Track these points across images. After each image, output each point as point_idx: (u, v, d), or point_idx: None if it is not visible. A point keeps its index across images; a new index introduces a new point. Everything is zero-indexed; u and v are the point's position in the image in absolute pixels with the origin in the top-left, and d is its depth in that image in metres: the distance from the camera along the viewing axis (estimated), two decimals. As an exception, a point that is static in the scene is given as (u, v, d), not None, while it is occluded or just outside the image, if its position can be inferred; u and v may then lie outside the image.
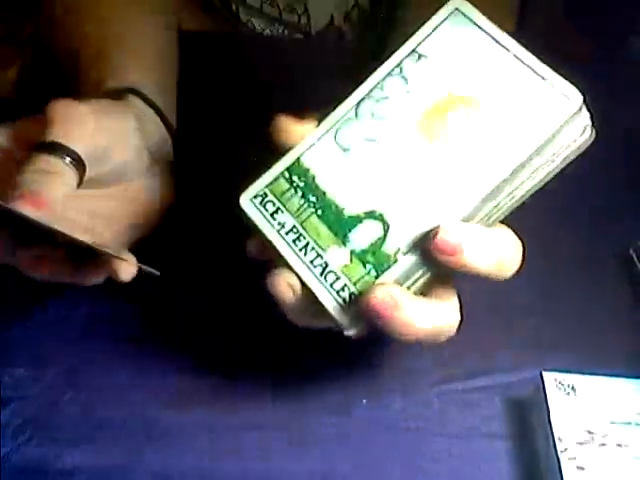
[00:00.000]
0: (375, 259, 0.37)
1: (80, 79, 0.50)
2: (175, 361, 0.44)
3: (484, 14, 0.38)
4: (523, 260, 0.36)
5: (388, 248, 0.37)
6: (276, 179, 0.40)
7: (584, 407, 0.40)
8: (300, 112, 0.40)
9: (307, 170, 0.39)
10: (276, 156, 0.40)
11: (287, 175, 0.39)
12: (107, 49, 0.51)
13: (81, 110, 0.41)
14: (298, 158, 0.39)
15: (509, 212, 0.37)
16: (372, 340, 0.41)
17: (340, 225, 0.38)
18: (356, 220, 0.38)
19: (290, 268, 0.38)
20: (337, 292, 0.37)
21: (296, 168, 0.39)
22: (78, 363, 0.44)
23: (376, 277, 0.36)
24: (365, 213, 0.38)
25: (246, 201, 0.40)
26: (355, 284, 0.37)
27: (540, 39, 0.38)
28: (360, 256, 0.37)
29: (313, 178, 0.39)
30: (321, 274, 0.38)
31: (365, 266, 0.37)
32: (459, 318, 0.37)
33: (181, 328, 0.46)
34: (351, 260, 0.37)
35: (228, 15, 0.70)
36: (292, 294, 0.38)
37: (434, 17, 0.39)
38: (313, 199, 0.39)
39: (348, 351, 0.44)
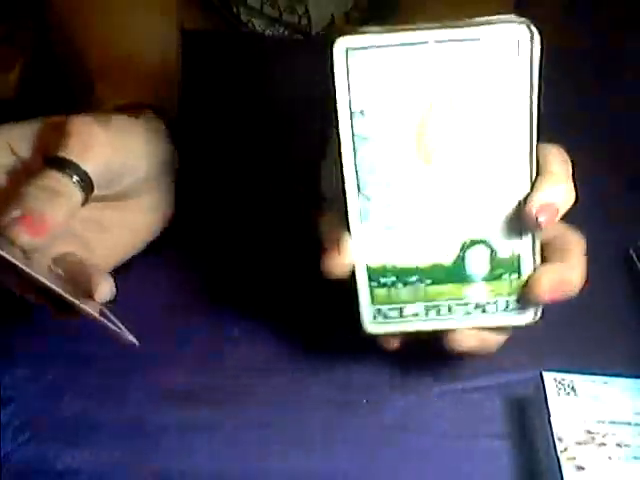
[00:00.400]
0: (504, 268, 0.38)
1: (94, 87, 0.50)
2: (175, 361, 0.44)
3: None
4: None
5: (504, 253, 0.38)
6: (372, 293, 0.39)
7: (584, 407, 0.40)
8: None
9: (383, 267, 0.38)
10: (351, 280, 0.39)
11: (375, 284, 0.39)
12: (117, 58, 0.51)
13: (99, 130, 0.41)
14: (367, 265, 0.38)
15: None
16: (372, 341, 0.41)
17: (453, 274, 0.38)
18: (461, 259, 0.38)
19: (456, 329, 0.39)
20: (509, 310, 0.39)
21: (374, 273, 0.39)
22: (78, 363, 0.44)
23: (519, 277, 0.38)
24: (461, 249, 0.38)
25: (371, 326, 0.40)
26: (511, 295, 0.39)
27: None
28: (493, 277, 0.38)
29: (395, 268, 0.38)
30: (483, 312, 0.39)
31: (505, 278, 0.38)
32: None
33: (181, 328, 0.46)
34: (490, 284, 0.38)
35: (228, 16, 0.70)
36: (479, 342, 0.40)
37: (337, 71, 0.35)
38: (414, 279, 0.38)
39: (348, 351, 0.44)
